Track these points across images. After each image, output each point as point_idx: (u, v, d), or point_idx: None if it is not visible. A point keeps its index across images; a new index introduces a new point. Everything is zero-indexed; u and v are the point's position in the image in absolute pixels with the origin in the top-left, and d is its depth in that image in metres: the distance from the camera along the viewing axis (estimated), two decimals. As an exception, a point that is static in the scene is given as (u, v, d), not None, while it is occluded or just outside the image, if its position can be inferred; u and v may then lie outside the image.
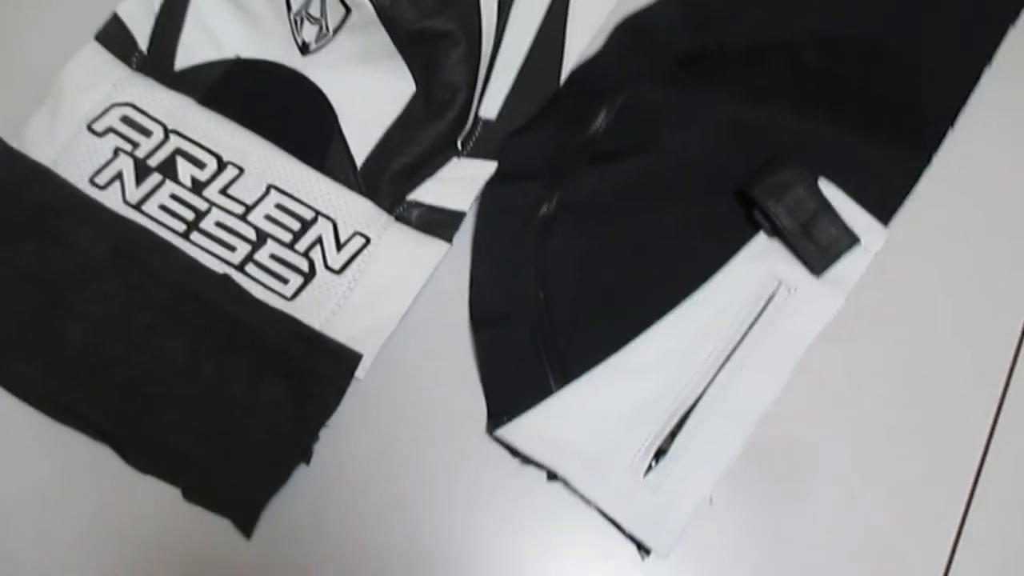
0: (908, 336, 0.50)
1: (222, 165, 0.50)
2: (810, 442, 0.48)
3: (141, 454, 0.46)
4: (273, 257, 0.48)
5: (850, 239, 0.49)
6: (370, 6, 0.46)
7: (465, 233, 0.50)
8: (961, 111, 0.53)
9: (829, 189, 0.50)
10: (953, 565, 0.46)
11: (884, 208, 0.51)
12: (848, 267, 0.49)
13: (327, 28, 0.49)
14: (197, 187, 0.49)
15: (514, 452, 0.47)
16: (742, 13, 0.55)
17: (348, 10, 0.48)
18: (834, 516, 0.47)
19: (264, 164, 0.50)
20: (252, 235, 0.49)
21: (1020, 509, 0.47)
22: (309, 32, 0.50)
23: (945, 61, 0.54)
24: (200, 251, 0.48)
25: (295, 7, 0.49)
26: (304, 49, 0.51)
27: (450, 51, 0.48)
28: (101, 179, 0.49)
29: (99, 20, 0.53)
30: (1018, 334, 0.50)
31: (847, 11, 0.55)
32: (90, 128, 0.50)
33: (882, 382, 0.49)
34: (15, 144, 0.50)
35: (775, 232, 0.49)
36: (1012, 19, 0.55)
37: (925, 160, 0.52)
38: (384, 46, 0.49)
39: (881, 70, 0.54)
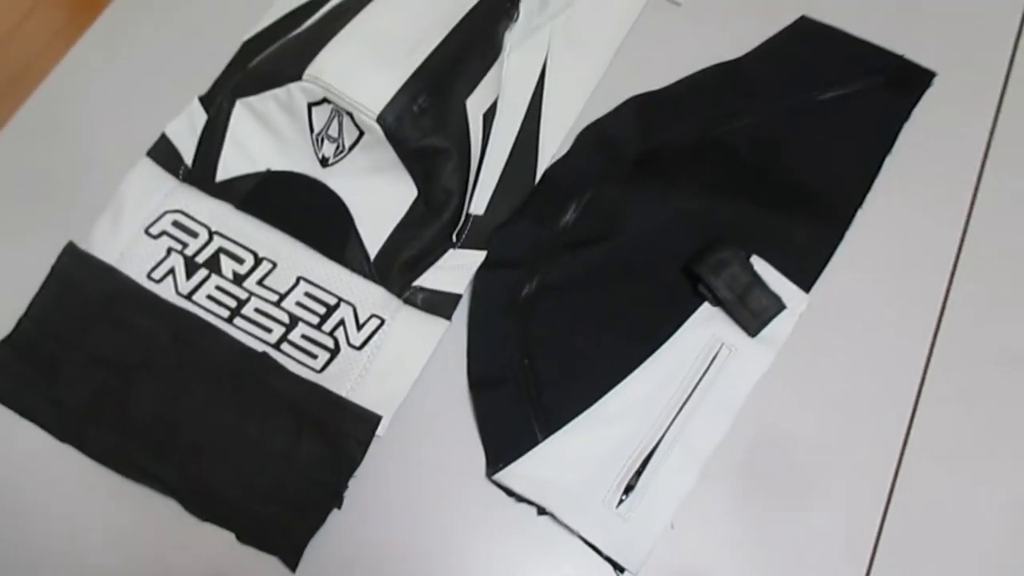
0: (826, 382, 0.60)
1: (258, 261, 0.60)
2: (756, 469, 0.58)
3: (201, 504, 0.55)
4: (304, 337, 0.58)
5: (778, 305, 0.59)
6: (379, 128, 0.57)
7: (462, 312, 0.60)
8: (867, 193, 0.65)
9: (760, 264, 0.61)
10: None
11: (806, 277, 0.61)
12: (777, 328, 0.60)
13: (344, 146, 0.60)
14: (238, 279, 0.59)
15: (510, 492, 0.56)
16: (687, 117, 0.66)
17: (361, 132, 0.58)
18: (773, 527, 0.57)
19: (294, 259, 0.60)
20: (286, 319, 0.59)
21: (924, 542, 0.57)
22: (329, 149, 0.60)
23: (854, 152, 0.65)
24: (242, 333, 0.58)
25: (317, 128, 0.60)
26: (324, 163, 0.61)
27: (445, 163, 0.59)
28: (157, 274, 0.59)
29: (150, 139, 0.63)
30: (919, 376, 0.60)
31: (775, 115, 0.66)
32: (147, 232, 0.60)
33: (804, 420, 0.59)
34: (83, 247, 0.60)
35: (717, 302, 0.59)
36: (905, 117, 0.66)
37: (839, 236, 0.63)
38: (391, 160, 0.59)
39: (804, 164, 0.65)
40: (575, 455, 0.56)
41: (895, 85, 0.67)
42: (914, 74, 0.67)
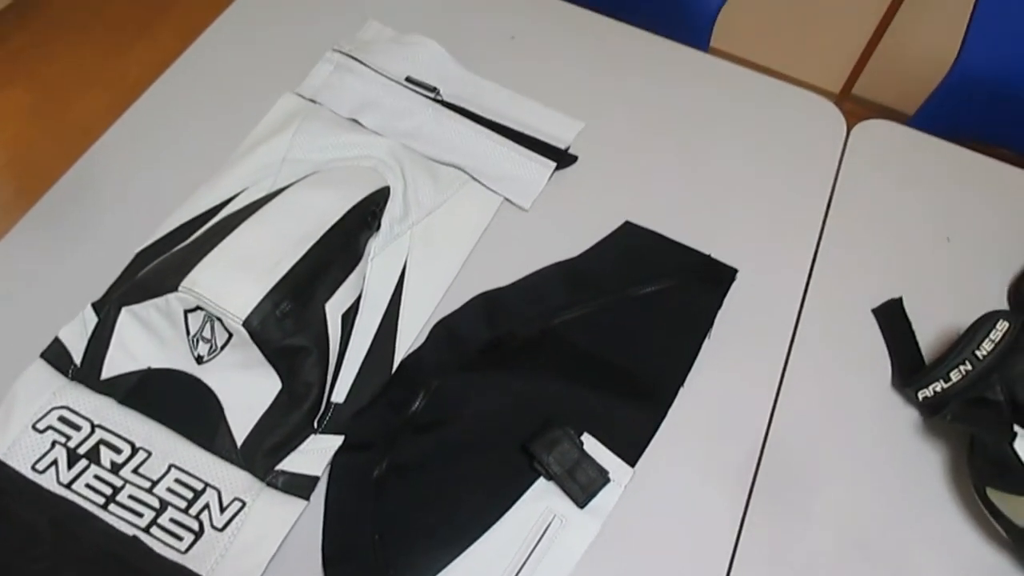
0: (649, 548, 0.66)
1: (135, 450, 0.66)
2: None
3: None
4: (172, 520, 0.64)
5: (603, 478, 0.67)
6: (245, 331, 0.65)
7: (320, 492, 0.67)
8: (688, 374, 0.74)
9: (590, 441, 0.69)
10: None
11: (633, 452, 0.69)
12: (604, 499, 0.67)
13: (216, 345, 0.68)
14: (115, 468, 0.65)
15: (356, 663, 0.61)
16: (527, 310, 0.76)
17: (231, 334, 0.66)
18: None
19: (167, 448, 0.66)
20: (156, 504, 0.64)
21: None
22: (203, 348, 0.68)
23: (675, 338, 0.75)
24: (116, 519, 0.64)
25: (192, 331, 0.68)
26: (200, 360, 0.69)
27: (305, 359, 0.67)
28: (41, 465, 0.65)
29: (45, 341, 0.71)
30: (733, 539, 0.67)
31: (605, 307, 0.76)
32: (34, 427, 0.66)
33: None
34: (-26, 442, 0.66)
35: (549, 476, 0.67)
36: (718, 306, 0.77)
37: (663, 413, 0.72)
38: (257, 357, 0.67)
39: (630, 350, 0.74)
40: (419, 626, 0.62)
41: (706, 280, 0.77)
42: (721, 270, 0.78)
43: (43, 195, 0.82)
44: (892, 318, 0.79)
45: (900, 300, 0.79)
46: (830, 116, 0.93)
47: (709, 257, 0.79)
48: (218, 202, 0.80)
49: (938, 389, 0.70)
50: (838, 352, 0.77)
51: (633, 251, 0.79)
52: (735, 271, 0.78)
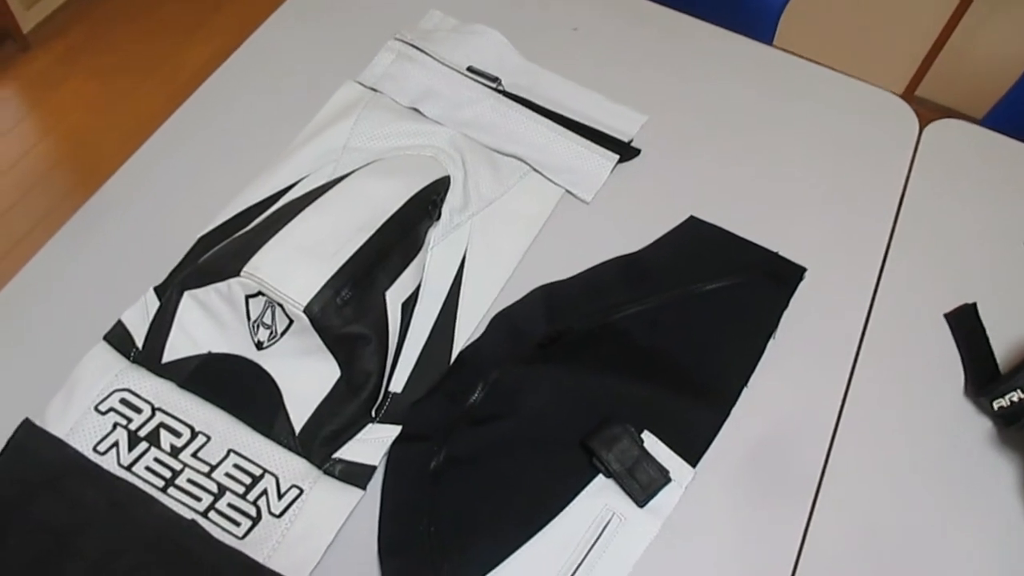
0: (709, 551, 0.65)
1: (194, 434, 0.66)
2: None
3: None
4: (230, 505, 0.64)
5: (664, 478, 0.65)
6: (305, 318, 0.65)
7: (377, 482, 0.66)
8: (751, 375, 0.72)
9: (651, 439, 0.67)
10: None
11: (693, 451, 0.68)
12: (664, 499, 0.65)
13: (276, 332, 0.67)
14: (175, 452, 0.66)
15: (410, 656, 0.60)
16: (588, 305, 0.74)
17: (291, 320, 0.66)
18: None
19: (226, 433, 0.66)
20: (215, 488, 0.64)
21: None
22: (263, 334, 0.68)
23: (739, 337, 0.73)
24: (174, 502, 0.64)
25: (253, 317, 0.68)
26: (259, 346, 0.68)
27: (364, 347, 0.67)
28: (102, 447, 0.66)
29: (108, 324, 0.71)
30: (796, 548, 0.65)
31: (667, 303, 0.74)
32: (96, 408, 0.67)
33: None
34: (38, 421, 0.66)
35: (609, 474, 0.66)
36: (784, 305, 0.75)
37: (725, 414, 0.70)
38: (317, 344, 0.66)
39: (692, 347, 0.73)
40: (473, 621, 0.61)
41: (773, 278, 0.75)
42: (789, 268, 0.76)
43: (105, 182, 0.82)
44: (965, 324, 0.76)
45: (974, 306, 0.76)
46: (902, 114, 0.91)
47: (777, 255, 0.77)
48: (279, 189, 0.80)
49: (1015, 399, 0.68)
50: (908, 358, 0.74)
51: (697, 246, 0.78)
52: (804, 270, 0.76)
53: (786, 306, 0.75)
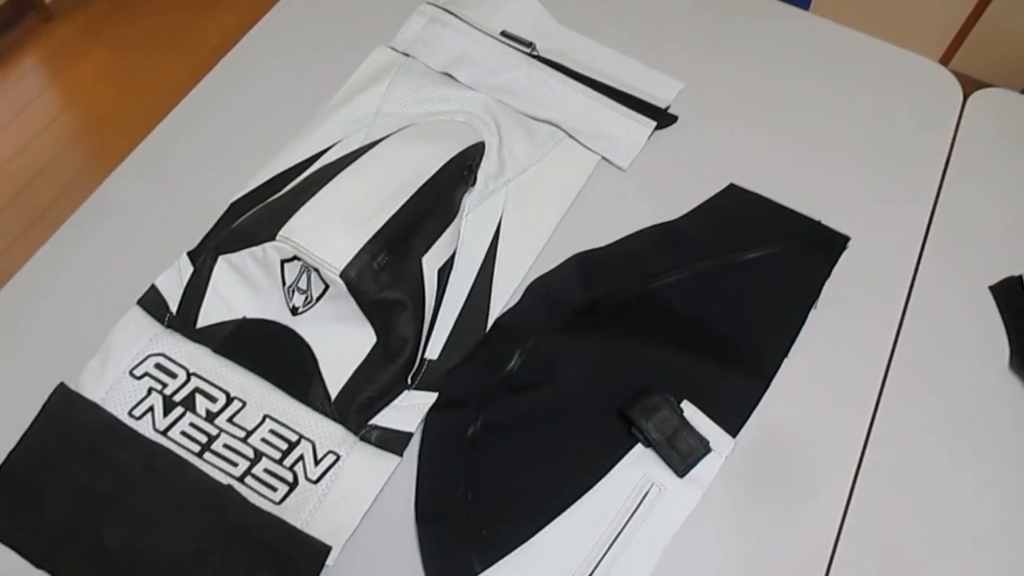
0: (750, 521, 0.64)
1: (230, 400, 0.66)
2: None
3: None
4: (266, 471, 0.63)
5: (704, 448, 0.64)
6: (342, 283, 0.64)
7: (413, 449, 0.66)
8: (792, 345, 0.70)
9: (690, 409, 0.66)
10: None
11: (733, 421, 0.67)
12: (704, 469, 0.64)
13: (312, 297, 0.67)
14: (210, 417, 0.65)
15: (448, 622, 0.60)
16: (625, 272, 0.73)
17: (327, 285, 0.65)
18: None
19: (262, 398, 0.66)
20: (251, 454, 0.64)
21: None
22: (299, 299, 0.67)
23: (780, 306, 0.72)
24: (211, 467, 0.63)
25: (288, 281, 0.67)
26: (295, 311, 0.68)
27: (401, 313, 0.66)
28: (137, 411, 0.65)
29: (142, 289, 0.71)
30: (838, 520, 0.64)
31: (706, 271, 0.73)
32: (131, 373, 0.66)
33: (729, 559, 0.63)
34: (73, 386, 0.66)
35: (648, 443, 0.65)
36: (826, 275, 0.73)
37: (766, 384, 0.69)
38: (353, 310, 0.66)
39: (732, 316, 0.71)
40: (512, 587, 0.60)
41: (815, 247, 0.74)
42: (831, 237, 0.74)
43: (134, 148, 0.81)
44: (1011, 297, 0.74)
45: (1020, 278, 0.74)
46: (945, 83, 0.88)
47: (819, 223, 0.75)
48: (311, 154, 0.79)
49: (1063, 371, 0.66)
50: (952, 330, 0.73)
51: (737, 214, 0.76)
52: (847, 239, 0.74)
53: (828, 275, 0.73)
